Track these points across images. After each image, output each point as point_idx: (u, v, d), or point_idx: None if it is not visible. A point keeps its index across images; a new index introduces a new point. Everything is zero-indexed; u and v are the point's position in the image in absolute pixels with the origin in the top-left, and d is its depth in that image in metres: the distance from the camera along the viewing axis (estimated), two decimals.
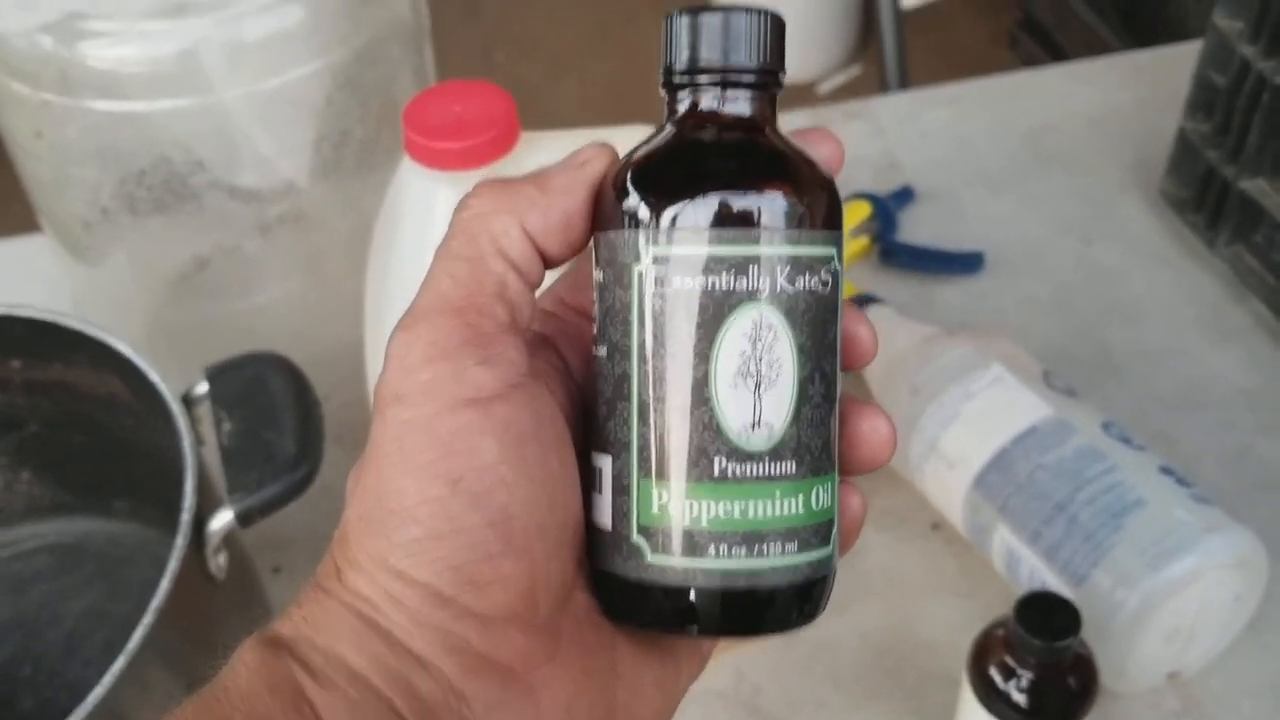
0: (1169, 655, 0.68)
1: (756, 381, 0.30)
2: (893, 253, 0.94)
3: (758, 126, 0.32)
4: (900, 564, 0.77)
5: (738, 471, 0.30)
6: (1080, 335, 0.90)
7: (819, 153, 0.33)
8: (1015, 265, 0.95)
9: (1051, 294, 0.93)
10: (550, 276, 0.34)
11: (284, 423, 0.61)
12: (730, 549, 0.31)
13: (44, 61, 0.67)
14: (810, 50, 2.17)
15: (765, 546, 0.31)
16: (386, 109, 0.71)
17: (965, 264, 0.94)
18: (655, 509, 0.31)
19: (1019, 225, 0.99)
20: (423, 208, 0.58)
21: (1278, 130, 0.86)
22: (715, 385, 0.30)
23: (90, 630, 0.72)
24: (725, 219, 0.30)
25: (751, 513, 0.31)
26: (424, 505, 0.29)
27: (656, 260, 0.30)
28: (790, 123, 0.43)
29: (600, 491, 0.32)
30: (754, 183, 0.31)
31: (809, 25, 2.15)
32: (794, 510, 0.31)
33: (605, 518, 0.32)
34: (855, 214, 0.95)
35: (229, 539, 0.60)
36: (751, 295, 0.30)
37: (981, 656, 0.61)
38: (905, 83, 1.26)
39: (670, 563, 0.31)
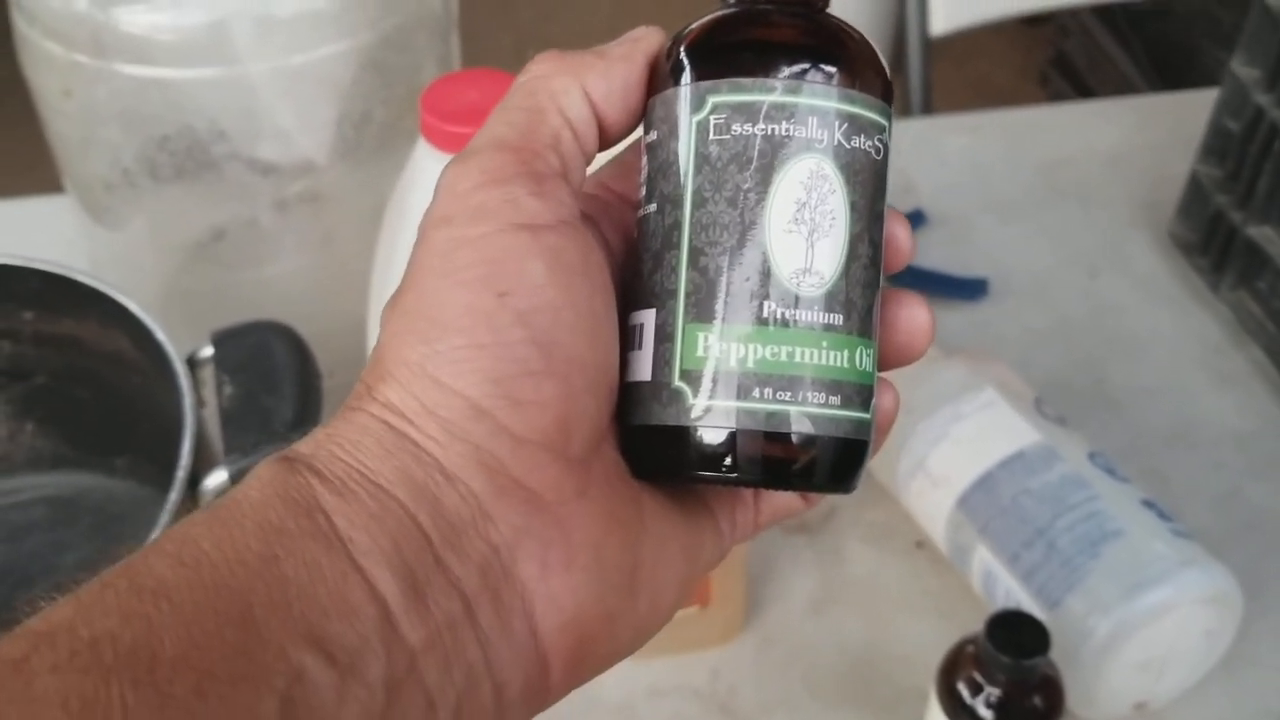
0: (1139, 686, 0.68)
1: (810, 229, 0.31)
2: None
3: (814, 4, 0.33)
4: (882, 577, 0.77)
5: (787, 316, 0.31)
6: (1079, 367, 0.91)
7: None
8: (1020, 294, 0.96)
9: (1053, 325, 0.94)
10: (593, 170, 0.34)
11: (284, 389, 0.62)
12: (775, 392, 0.30)
13: (77, 22, 0.69)
14: None
15: (809, 394, 0.31)
16: (409, 95, 0.72)
17: (969, 289, 0.94)
18: (700, 352, 0.31)
19: (1027, 255, 0.99)
20: (434, 190, 0.59)
21: None
22: (769, 229, 0.31)
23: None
24: (789, 69, 0.31)
25: (798, 357, 0.31)
26: (469, 315, 0.29)
27: (716, 109, 0.31)
28: None
29: (640, 347, 0.32)
30: (817, 39, 0.32)
31: None
32: (839, 363, 0.31)
33: (645, 370, 0.32)
34: None
35: None
36: (809, 145, 0.31)
37: (950, 671, 0.62)
38: (929, 109, 1.27)
39: (713, 404, 0.31)
